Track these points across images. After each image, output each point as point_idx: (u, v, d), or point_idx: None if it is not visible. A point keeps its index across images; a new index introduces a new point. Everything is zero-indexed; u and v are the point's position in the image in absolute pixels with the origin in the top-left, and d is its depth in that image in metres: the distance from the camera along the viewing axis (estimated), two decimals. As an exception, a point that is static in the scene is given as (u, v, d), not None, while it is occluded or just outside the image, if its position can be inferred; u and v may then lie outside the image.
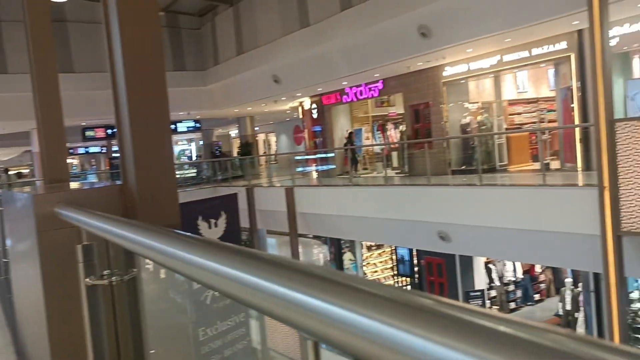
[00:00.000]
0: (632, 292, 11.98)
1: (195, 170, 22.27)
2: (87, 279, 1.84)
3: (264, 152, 34.48)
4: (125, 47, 2.13)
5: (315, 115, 19.82)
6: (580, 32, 11.38)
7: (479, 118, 14.30)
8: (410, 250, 16.15)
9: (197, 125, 25.76)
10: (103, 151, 28.72)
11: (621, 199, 7.13)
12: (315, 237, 17.87)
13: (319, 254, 18.78)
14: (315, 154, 19.35)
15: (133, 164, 2.21)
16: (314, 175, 18.97)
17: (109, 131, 23.73)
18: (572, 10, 9.27)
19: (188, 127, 25.52)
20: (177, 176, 17.47)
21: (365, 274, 19.16)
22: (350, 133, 18.51)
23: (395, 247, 16.73)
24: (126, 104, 2.17)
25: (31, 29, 4.09)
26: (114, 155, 26.11)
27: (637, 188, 6.99)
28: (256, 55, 18.99)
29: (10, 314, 3.96)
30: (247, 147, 25.19)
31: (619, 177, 7.10)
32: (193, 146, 34.92)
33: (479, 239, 10.16)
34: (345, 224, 13.24)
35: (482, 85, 15.44)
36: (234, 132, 33.57)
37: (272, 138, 36.30)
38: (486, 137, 13.49)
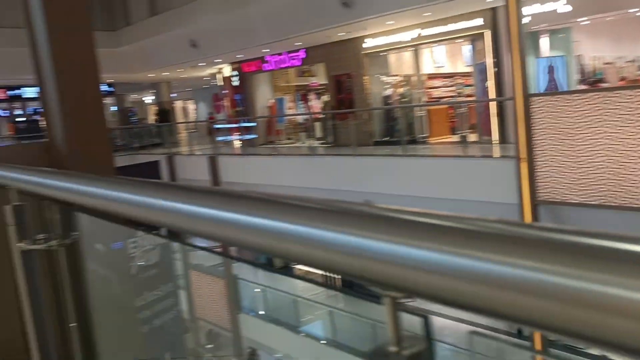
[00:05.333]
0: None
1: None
2: (20, 244, 1.65)
3: (186, 120, 33.28)
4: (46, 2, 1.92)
5: (236, 83, 19.33)
6: (494, 9, 11.81)
7: (399, 90, 14.58)
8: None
9: (111, 89, 24.30)
10: (5, 114, 26.27)
11: (536, 170, 7.57)
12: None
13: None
14: (237, 122, 18.95)
15: (60, 121, 2.02)
16: (237, 144, 18.62)
17: (11, 92, 21.79)
18: (489, -13, 9.57)
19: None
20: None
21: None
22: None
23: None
24: (50, 62, 1.96)
25: None
26: (18, 119, 23.97)
27: (551, 159, 7.45)
28: (171, 17, 18.06)
29: None
30: (165, 114, 24.20)
31: (534, 149, 7.53)
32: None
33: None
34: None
35: (402, 58, 15.73)
36: (149, 99, 32.09)
37: (191, 106, 35.11)
38: (407, 110, 13.80)
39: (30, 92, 21.92)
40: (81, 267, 1.71)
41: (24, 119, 23.99)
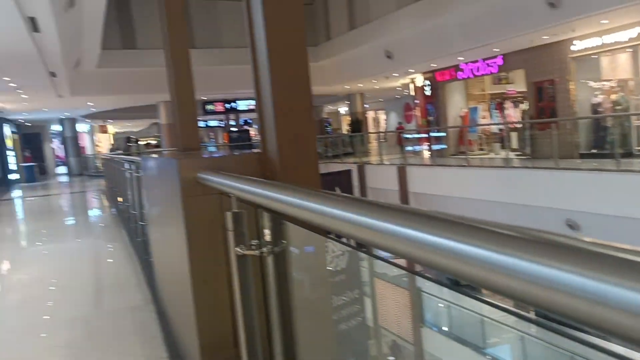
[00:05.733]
0: None
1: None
2: (237, 248, 1.81)
3: (377, 130, 34.22)
4: (268, 22, 2.09)
5: (428, 92, 19.21)
6: None
7: (613, 97, 13.00)
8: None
9: (310, 101, 26.06)
10: (221, 125, 30.05)
11: None
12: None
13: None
14: (426, 132, 18.81)
15: (275, 133, 2.17)
16: (425, 154, 18.47)
17: (227, 105, 24.73)
18: None
19: (299, 104, 25.95)
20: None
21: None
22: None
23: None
24: (268, 78, 2.13)
25: (167, 7, 4.22)
26: (232, 129, 27.19)
27: None
28: (368, 30, 18.71)
29: (149, 275, 4.19)
30: (357, 124, 25.13)
31: None
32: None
33: (615, 230, 9.24)
34: (460, 206, 12.73)
35: (616, 60, 14.03)
36: (343, 109, 33.64)
37: (382, 116, 35.92)
38: (622, 119, 12.22)
39: (242, 104, 24.60)
40: (286, 273, 1.82)
41: (236, 129, 27.09)
